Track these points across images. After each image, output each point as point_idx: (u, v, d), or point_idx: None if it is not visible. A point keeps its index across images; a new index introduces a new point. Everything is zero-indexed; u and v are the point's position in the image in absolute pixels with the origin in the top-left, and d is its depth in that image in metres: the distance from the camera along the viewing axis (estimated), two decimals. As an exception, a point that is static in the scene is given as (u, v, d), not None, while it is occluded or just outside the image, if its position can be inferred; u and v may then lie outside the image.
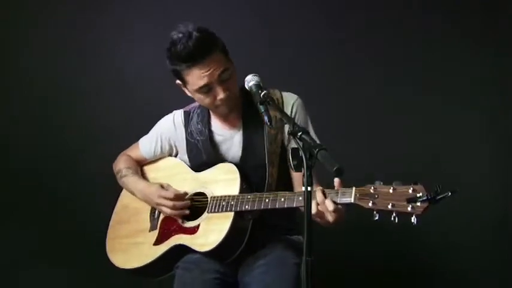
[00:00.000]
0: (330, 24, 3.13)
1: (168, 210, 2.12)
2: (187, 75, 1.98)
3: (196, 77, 1.96)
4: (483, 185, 3.09)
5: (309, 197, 1.52)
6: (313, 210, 1.73)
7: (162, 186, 2.20)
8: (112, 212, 2.38)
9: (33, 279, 3.05)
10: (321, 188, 1.78)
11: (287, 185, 2.11)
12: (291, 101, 2.14)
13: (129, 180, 2.29)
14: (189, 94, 2.10)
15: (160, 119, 2.39)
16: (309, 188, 1.51)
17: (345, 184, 1.76)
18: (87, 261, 3.06)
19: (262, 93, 1.84)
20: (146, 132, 2.45)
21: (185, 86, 2.06)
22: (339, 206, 1.74)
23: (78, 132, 3.10)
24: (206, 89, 1.99)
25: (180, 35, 1.95)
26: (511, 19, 3.05)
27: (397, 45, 3.14)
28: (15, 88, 3.09)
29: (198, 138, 2.20)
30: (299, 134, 1.59)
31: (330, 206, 1.73)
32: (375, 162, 3.00)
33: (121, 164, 2.36)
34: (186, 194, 2.15)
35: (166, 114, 2.39)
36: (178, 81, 2.08)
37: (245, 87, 1.93)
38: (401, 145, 3.11)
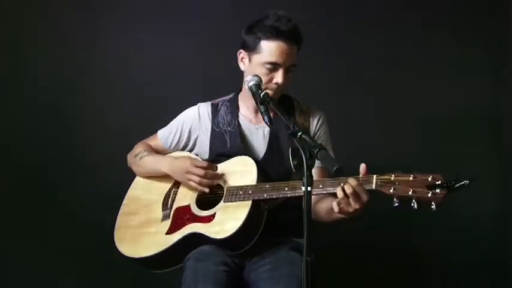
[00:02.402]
0: (331, 24, 3.13)
1: (197, 179, 2.11)
2: (266, 45, 2.05)
3: (273, 51, 2.04)
4: (484, 183, 3.10)
5: (309, 197, 1.53)
6: (339, 195, 1.78)
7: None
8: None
9: (33, 279, 3.05)
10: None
11: None
12: (317, 115, 2.25)
13: (152, 158, 2.29)
14: (244, 67, 2.15)
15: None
16: (309, 188, 1.52)
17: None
18: (88, 261, 3.07)
19: (262, 93, 1.91)
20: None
21: (251, 56, 2.10)
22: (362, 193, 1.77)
23: (79, 132, 3.10)
24: (271, 67, 2.06)
25: (280, 13, 2.06)
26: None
27: (401, 45, 3.15)
28: (16, 88, 3.09)
29: (225, 128, 2.23)
30: (299, 134, 1.63)
31: (348, 188, 1.76)
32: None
33: (140, 148, 2.35)
34: (216, 166, 2.16)
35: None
36: (243, 51, 2.14)
37: (292, 96, 2.19)
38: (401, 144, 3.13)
